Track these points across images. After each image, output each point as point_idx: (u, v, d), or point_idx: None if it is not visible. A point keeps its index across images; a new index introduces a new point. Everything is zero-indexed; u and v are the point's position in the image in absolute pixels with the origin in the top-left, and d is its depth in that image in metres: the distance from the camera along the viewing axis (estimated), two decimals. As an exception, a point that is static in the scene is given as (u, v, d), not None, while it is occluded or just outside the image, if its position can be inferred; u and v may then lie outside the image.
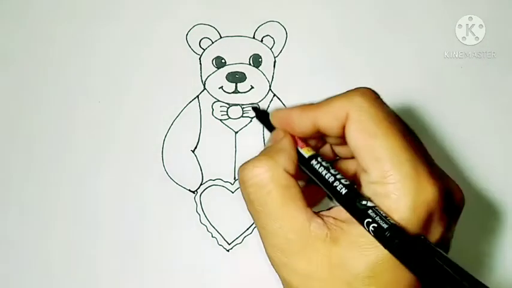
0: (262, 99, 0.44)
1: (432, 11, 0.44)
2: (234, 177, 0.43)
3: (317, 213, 0.29)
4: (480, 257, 0.42)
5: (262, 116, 0.35)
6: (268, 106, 0.44)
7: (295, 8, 0.44)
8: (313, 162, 0.30)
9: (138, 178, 0.43)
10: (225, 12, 0.44)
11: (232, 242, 0.43)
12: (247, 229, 0.42)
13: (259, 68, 0.44)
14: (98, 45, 0.44)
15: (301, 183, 0.30)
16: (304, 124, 0.30)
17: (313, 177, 0.30)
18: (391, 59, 0.44)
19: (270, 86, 0.44)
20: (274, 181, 0.28)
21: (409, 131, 0.29)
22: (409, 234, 0.26)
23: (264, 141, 0.43)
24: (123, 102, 0.44)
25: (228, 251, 0.43)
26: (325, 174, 0.29)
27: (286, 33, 0.44)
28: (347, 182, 0.28)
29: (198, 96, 0.44)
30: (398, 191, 0.26)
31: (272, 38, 0.44)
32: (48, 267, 0.43)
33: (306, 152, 0.31)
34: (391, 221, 0.26)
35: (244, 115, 0.44)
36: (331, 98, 0.30)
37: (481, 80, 0.44)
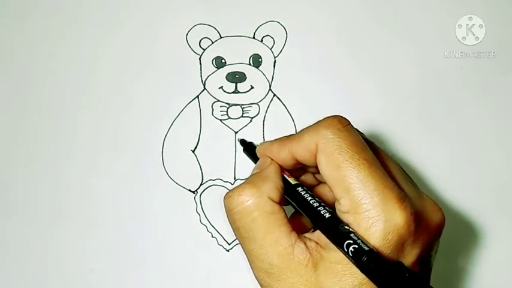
0: (262, 99, 0.44)
1: (432, 11, 0.44)
2: (234, 177, 0.43)
3: (302, 237, 0.30)
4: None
5: (248, 147, 0.38)
6: (268, 106, 0.44)
7: (295, 8, 0.44)
8: (299, 189, 0.31)
9: (138, 178, 0.43)
10: (225, 12, 0.44)
11: (232, 242, 0.43)
12: (247, 229, 0.42)
13: (259, 68, 0.44)
14: (98, 45, 0.44)
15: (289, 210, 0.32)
16: (284, 157, 0.32)
17: (295, 204, 0.32)
18: (391, 59, 0.44)
19: (270, 86, 0.44)
20: (259, 208, 0.30)
21: (375, 158, 0.29)
22: (385, 259, 0.27)
23: (264, 141, 0.43)
24: (123, 102, 0.44)
25: (228, 251, 0.43)
26: (310, 200, 0.30)
27: (286, 33, 0.44)
28: (330, 209, 0.30)
29: (198, 96, 0.44)
30: (368, 219, 0.27)
31: (272, 38, 0.44)
32: (48, 267, 0.43)
33: (292, 181, 0.32)
34: (370, 246, 0.27)
35: (244, 115, 0.44)
36: (302, 130, 0.31)
37: (481, 80, 0.44)
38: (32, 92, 0.44)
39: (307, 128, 0.31)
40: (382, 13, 0.44)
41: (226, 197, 0.31)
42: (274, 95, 0.44)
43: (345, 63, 0.44)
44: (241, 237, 0.30)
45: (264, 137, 0.43)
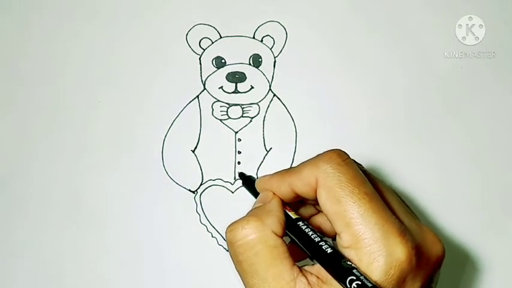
0: (262, 99, 0.44)
1: (432, 11, 0.44)
2: (234, 177, 0.43)
3: (303, 271, 0.30)
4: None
5: (247, 181, 0.38)
6: (268, 106, 0.44)
7: (295, 8, 0.44)
8: (300, 223, 0.31)
9: (138, 178, 0.43)
10: (225, 12, 0.44)
11: (232, 242, 0.43)
12: (247, 229, 0.42)
13: (259, 68, 0.44)
14: (98, 45, 0.44)
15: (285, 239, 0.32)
16: (284, 190, 0.32)
17: (295, 239, 0.31)
18: (391, 59, 0.44)
19: (270, 86, 0.44)
20: (262, 242, 0.30)
21: (375, 192, 0.29)
22: None
23: (264, 141, 0.43)
24: (123, 102, 0.44)
25: (228, 251, 0.42)
26: (311, 234, 0.30)
27: (286, 33, 0.44)
28: (331, 244, 0.30)
29: (198, 96, 0.44)
30: (370, 255, 0.27)
31: (272, 38, 0.44)
32: (47, 266, 0.43)
33: (293, 215, 0.32)
34: (373, 282, 0.27)
35: (244, 115, 0.44)
36: (301, 164, 0.31)
37: (481, 80, 0.44)
38: (31, 92, 0.44)
39: (306, 162, 0.31)
40: (382, 13, 0.44)
41: (229, 230, 0.30)
42: (274, 95, 0.44)
43: (344, 63, 0.44)
44: (243, 271, 0.30)
45: (264, 137, 0.43)
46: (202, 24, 0.44)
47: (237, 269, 0.31)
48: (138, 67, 0.44)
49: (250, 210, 0.32)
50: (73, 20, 0.45)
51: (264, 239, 0.30)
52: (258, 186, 0.34)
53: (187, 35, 0.44)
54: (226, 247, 0.42)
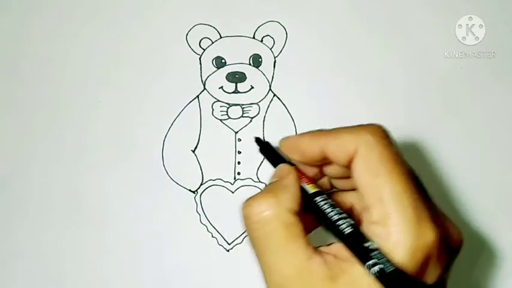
0: (262, 99, 0.44)
1: (432, 11, 0.44)
2: (234, 177, 0.43)
3: (319, 250, 0.29)
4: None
5: (265, 147, 0.36)
6: (268, 106, 0.44)
7: (295, 8, 0.44)
8: (317, 199, 0.30)
9: (138, 178, 0.43)
10: (225, 12, 0.44)
11: (232, 242, 0.43)
12: (247, 229, 0.42)
13: (259, 68, 0.44)
14: (98, 45, 0.44)
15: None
16: (313, 150, 0.31)
17: (315, 214, 0.31)
18: (391, 59, 0.44)
19: (270, 86, 0.44)
20: (278, 219, 0.29)
21: (413, 173, 0.29)
22: (411, 279, 0.26)
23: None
24: (123, 102, 0.44)
25: (228, 251, 0.43)
26: (330, 212, 0.29)
27: (286, 33, 0.44)
28: (352, 222, 0.29)
29: (198, 96, 0.44)
30: (398, 234, 0.27)
31: (272, 38, 0.44)
32: (47, 267, 0.43)
33: (311, 189, 0.31)
34: (395, 265, 0.26)
35: (244, 115, 0.44)
36: (341, 128, 0.30)
37: (481, 80, 0.44)
38: (32, 92, 0.44)
39: (346, 127, 0.30)
40: (381, 13, 0.44)
41: (245, 205, 0.30)
42: (274, 95, 0.44)
43: (344, 63, 0.44)
44: (257, 247, 0.30)
45: (264, 137, 0.43)
46: (202, 24, 0.44)
47: (251, 245, 0.30)
48: (138, 67, 0.44)
49: (266, 186, 0.32)
50: (73, 20, 0.45)
51: (279, 216, 0.29)
52: (283, 145, 0.33)
53: (187, 35, 0.44)
54: (226, 247, 0.42)
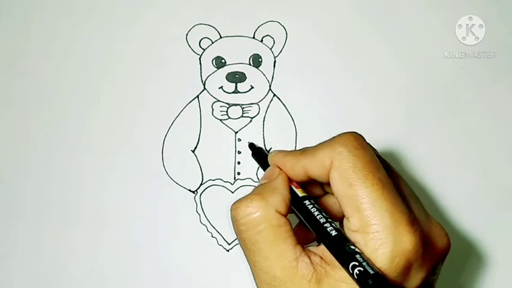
0: (262, 99, 0.44)
1: (432, 11, 0.44)
2: (234, 177, 0.43)
3: (307, 251, 0.30)
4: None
5: (257, 153, 0.38)
6: (268, 106, 0.44)
7: (295, 8, 0.44)
8: (306, 202, 0.31)
9: (138, 178, 0.43)
10: (225, 12, 0.44)
11: (232, 242, 0.43)
12: (247, 229, 0.42)
13: (259, 68, 0.44)
14: (98, 45, 0.44)
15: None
16: (297, 171, 0.32)
17: (301, 217, 0.31)
18: (391, 59, 0.44)
19: (270, 86, 0.44)
20: (266, 221, 0.30)
21: (388, 179, 0.29)
22: (391, 284, 0.27)
23: (264, 141, 0.43)
24: (123, 102, 0.44)
25: (228, 251, 0.43)
26: (317, 215, 0.30)
27: (286, 33, 0.44)
28: (336, 226, 0.29)
29: (198, 96, 0.44)
30: (377, 240, 0.27)
31: (272, 38, 0.44)
32: (46, 267, 0.43)
33: (300, 193, 0.32)
34: (376, 269, 0.27)
35: (244, 115, 0.44)
36: (317, 146, 0.31)
37: (481, 80, 0.44)
38: (30, 92, 0.44)
39: (322, 143, 0.31)
40: (382, 13, 0.44)
41: (233, 207, 0.31)
42: (274, 95, 0.44)
43: (345, 63, 0.44)
44: (247, 248, 0.30)
45: (264, 137, 0.43)
46: (202, 24, 0.44)
47: (240, 246, 0.31)
48: (138, 67, 0.44)
49: (255, 187, 0.32)
50: (73, 20, 0.45)
51: (267, 218, 0.30)
52: (270, 161, 0.34)
53: (187, 35, 0.44)
54: (226, 247, 0.42)
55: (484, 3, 0.44)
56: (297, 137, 0.43)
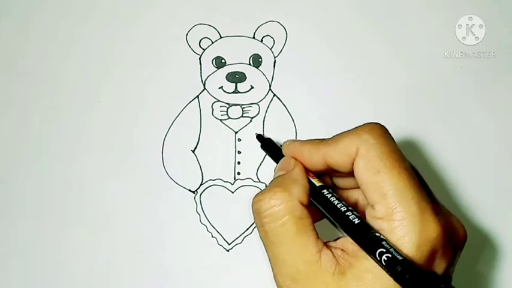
0: (262, 99, 0.44)
1: (432, 11, 0.44)
2: (234, 177, 0.43)
3: (327, 244, 0.29)
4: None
5: (267, 144, 0.37)
6: (268, 106, 0.44)
7: (295, 8, 0.44)
8: (325, 191, 0.31)
9: (138, 178, 0.43)
10: (225, 12, 0.44)
11: (232, 242, 0.43)
12: (247, 229, 0.42)
13: (259, 68, 0.44)
14: (98, 45, 0.44)
15: None
16: (316, 160, 0.32)
17: (321, 207, 0.31)
18: (391, 59, 0.44)
19: (270, 86, 0.44)
20: (290, 213, 0.29)
21: (414, 169, 0.30)
22: (420, 269, 0.26)
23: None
24: (123, 102, 0.44)
25: (228, 251, 0.43)
26: (338, 203, 0.30)
27: (286, 33, 0.44)
28: (358, 214, 0.29)
29: (198, 96, 0.44)
30: (403, 228, 0.27)
31: (272, 38, 0.44)
32: (46, 267, 0.43)
33: (317, 182, 0.31)
34: (403, 255, 0.26)
35: (244, 115, 0.44)
36: (340, 134, 0.31)
37: (481, 80, 0.44)
38: (30, 92, 0.44)
39: (345, 132, 0.31)
40: (382, 13, 0.44)
41: (256, 200, 0.30)
42: (274, 95, 0.44)
43: (345, 63, 0.44)
44: (269, 241, 0.30)
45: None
46: (202, 24, 0.44)
47: (261, 238, 0.31)
48: (138, 67, 0.44)
49: (273, 179, 0.32)
50: (73, 20, 0.45)
51: (291, 209, 0.29)
52: (286, 151, 0.34)
53: (187, 35, 0.44)
54: (226, 247, 0.42)
55: (484, 3, 0.44)
56: (297, 137, 0.43)
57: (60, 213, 0.43)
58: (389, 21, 0.44)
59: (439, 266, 0.28)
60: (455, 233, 0.30)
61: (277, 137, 0.43)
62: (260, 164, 0.43)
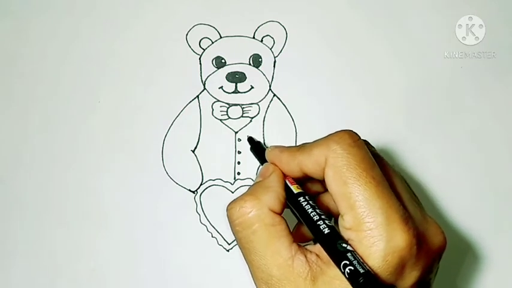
0: (262, 99, 0.44)
1: (432, 11, 0.44)
2: (234, 177, 0.43)
3: (303, 249, 0.30)
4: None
5: (255, 146, 0.39)
6: (268, 106, 0.44)
7: (296, 8, 0.44)
8: (300, 199, 0.31)
9: (138, 178, 0.43)
10: (225, 12, 0.44)
11: (232, 242, 0.43)
12: (247, 229, 0.42)
13: (259, 68, 0.44)
14: (98, 45, 0.44)
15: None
16: (293, 168, 0.32)
17: (297, 213, 0.31)
18: (391, 59, 0.44)
19: (270, 86, 0.44)
20: (259, 220, 0.30)
21: (382, 177, 0.29)
22: (381, 283, 0.27)
23: (264, 141, 0.43)
24: (123, 102, 0.44)
25: (228, 251, 0.43)
26: (311, 212, 0.30)
27: (286, 33, 0.44)
28: (330, 224, 0.29)
29: (198, 96, 0.44)
30: (370, 238, 0.27)
31: (272, 38, 0.44)
32: (45, 267, 0.43)
33: (295, 189, 0.32)
34: (367, 268, 0.27)
35: (244, 115, 0.44)
36: (312, 143, 0.31)
37: (481, 80, 0.44)
38: (30, 92, 0.44)
39: (317, 141, 0.31)
40: (382, 13, 0.44)
41: (229, 208, 0.31)
42: (274, 95, 0.44)
43: (344, 63, 0.44)
44: (243, 247, 0.31)
45: (264, 137, 0.43)
46: (202, 24, 0.44)
47: (238, 245, 0.31)
48: (138, 67, 0.44)
49: (250, 186, 0.33)
50: (73, 19, 0.45)
51: (261, 217, 0.30)
52: (267, 157, 0.34)
53: (187, 35, 0.44)
54: (226, 247, 0.42)
55: (484, 3, 0.44)
56: (297, 137, 0.43)
57: (60, 213, 0.43)
58: (389, 21, 0.44)
59: (410, 276, 0.28)
60: (431, 241, 0.30)
61: (277, 136, 0.43)
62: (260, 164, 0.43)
